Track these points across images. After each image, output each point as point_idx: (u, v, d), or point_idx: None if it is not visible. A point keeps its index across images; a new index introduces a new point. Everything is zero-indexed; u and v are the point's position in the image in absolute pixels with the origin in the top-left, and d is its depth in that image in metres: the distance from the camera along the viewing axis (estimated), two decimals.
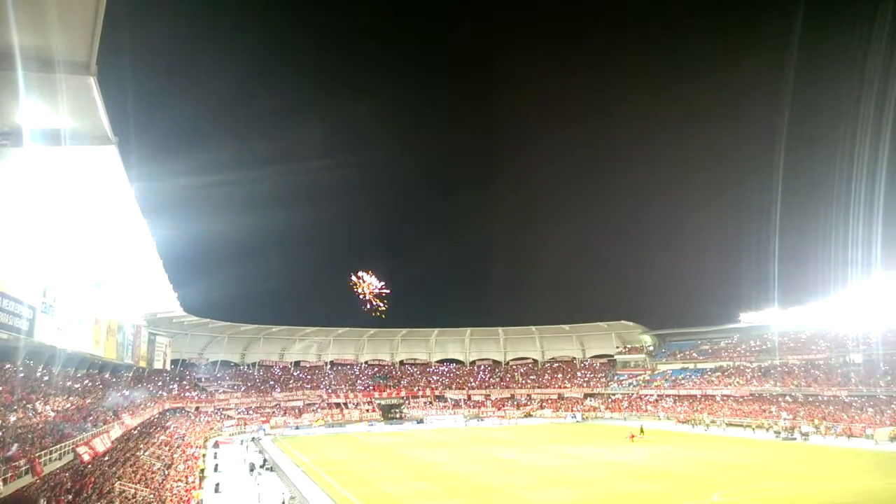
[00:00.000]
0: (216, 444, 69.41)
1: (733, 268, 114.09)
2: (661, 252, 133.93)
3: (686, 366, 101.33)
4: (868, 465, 46.91)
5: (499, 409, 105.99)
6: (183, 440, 60.86)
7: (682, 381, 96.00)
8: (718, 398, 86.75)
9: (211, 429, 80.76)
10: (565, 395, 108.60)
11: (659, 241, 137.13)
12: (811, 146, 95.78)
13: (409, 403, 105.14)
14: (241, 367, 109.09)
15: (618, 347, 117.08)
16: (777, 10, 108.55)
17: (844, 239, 73.47)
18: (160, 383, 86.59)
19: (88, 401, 46.44)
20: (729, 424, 77.10)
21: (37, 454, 24.61)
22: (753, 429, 72.18)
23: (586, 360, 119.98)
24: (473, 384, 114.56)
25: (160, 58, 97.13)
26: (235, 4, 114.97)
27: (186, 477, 42.19)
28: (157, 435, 58.16)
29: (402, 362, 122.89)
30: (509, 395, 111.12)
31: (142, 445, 49.09)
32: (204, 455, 58.89)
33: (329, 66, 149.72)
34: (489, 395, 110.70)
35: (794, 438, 64.32)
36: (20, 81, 18.41)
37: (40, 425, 31.48)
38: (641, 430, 72.89)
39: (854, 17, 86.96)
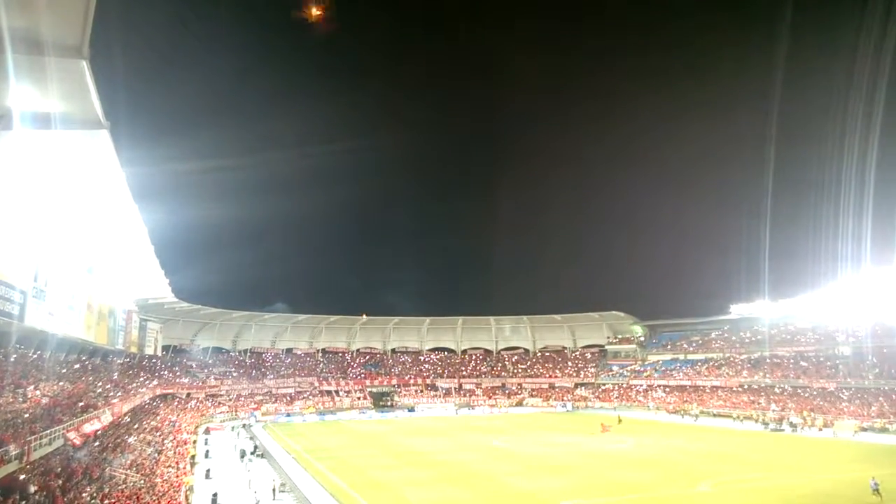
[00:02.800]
0: (207, 431, 69.48)
1: (724, 260, 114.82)
2: (652, 243, 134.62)
3: (676, 356, 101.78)
4: (855, 455, 47.30)
5: (490, 397, 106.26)
6: (174, 426, 60.89)
7: (673, 372, 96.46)
8: (708, 389, 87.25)
9: (202, 415, 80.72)
10: (556, 385, 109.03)
11: (651, 233, 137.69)
12: (801, 140, 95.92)
13: (400, 392, 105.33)
14: (233, 354, 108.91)
15: (609, 338, 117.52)
16: (769, 6, 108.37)
17: (835, 232, 73.80)
18: (151, 369, 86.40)
19: (79, 386, 46.37)
20: (717, 415, 77.78)
21: (27, 439, 24.60)
22: (742, 420, 72.69)
23: (577, 350, 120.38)
24: (465, 373, 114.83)
25: (153, 40, 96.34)
26: None
27: (177, 463, 42.24)
28: (147, 421, 58.16)
29: (393, 350, 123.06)
30: (500, 384, 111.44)
31: (132, 431, 49.10)
32: (195, 441, 58.92)
33: (327, 53, 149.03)
34: (480, 384, 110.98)
35: (783, 430, 64.84)
36: (10, 64, 18.31)
37: (30, 410, 31.45)
38: (619, 420, 73.10)
39: (844, 12, 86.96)
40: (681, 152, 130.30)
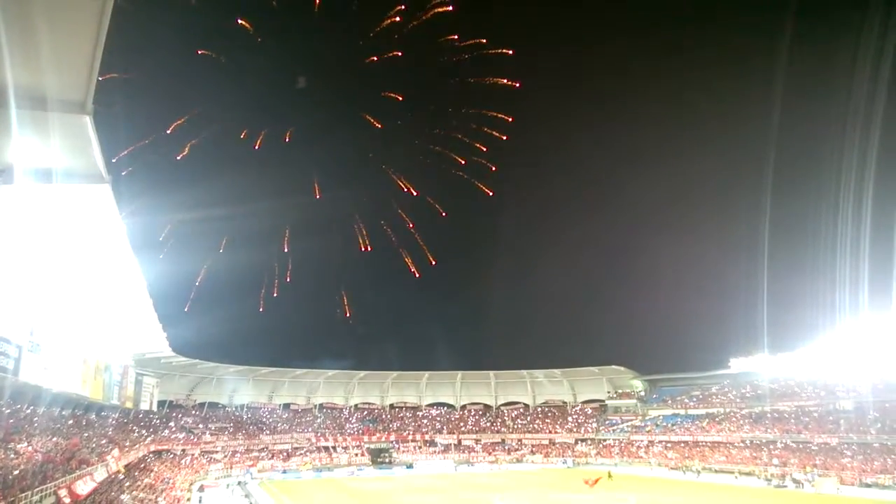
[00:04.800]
0: (201, 488, 68.20)
1: (723, 313, 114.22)
2: (651, 297, 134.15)
3: (677, 412, 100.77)
4: None
5: (489, 453, 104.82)
6: (167, 483, 59.89)
7: (674, 427, 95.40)
8: (710, 445, 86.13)
9: (196, 472, 79.46)
10: (556, 441, 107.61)
11: (649, 287, 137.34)
12: (797, 192, 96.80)
13: (398, 448, 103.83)
14: (229, 409, 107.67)
15: (609, 392, 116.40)
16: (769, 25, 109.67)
17: (832, 283, 74.15)
18: (146, 424, 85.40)
19: (73, 442, 45.80)
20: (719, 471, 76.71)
21: (17, 496, 24.27)
22: (738, 476, 71.69)
23: (577, 405, 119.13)
24: (464, 428, 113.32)
25: (154, 92, 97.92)
26: (231, 46, 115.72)
27: None
28: (141, 478, 57.20)
29: (392, 406, 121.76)
30: (500, 440, 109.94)
31: (126, 489, 48.27)
32: (189, 499, 57.96)
33: (327, 104, 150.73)
34: (480, 440, 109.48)
35: (786, 486, 63.77)
36: (13, 119, 18.62)
37: (21, 466, 31.03)
38: (609, 475, 71.68)
39: (843, 44, 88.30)
40: (677, 203, 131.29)
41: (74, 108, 19.05)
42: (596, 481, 64.20)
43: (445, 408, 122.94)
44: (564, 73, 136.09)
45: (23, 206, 25.32)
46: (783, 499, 55.87)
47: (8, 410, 40.95)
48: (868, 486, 60.41)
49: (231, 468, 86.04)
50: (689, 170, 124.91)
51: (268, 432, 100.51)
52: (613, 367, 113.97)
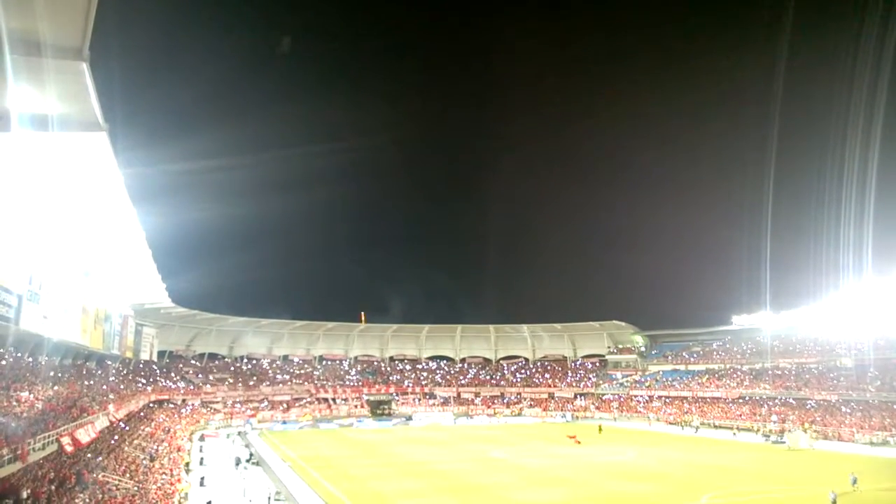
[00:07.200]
0: (202, 438, 68.87)
1: (726, 270, 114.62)
2: (653, 253, 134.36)
3: (677, 367, 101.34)
4: (857, 469, 46.76)
5: (488, 406, 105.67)
6: (168, 433, 60.35)
7: (673, 383, 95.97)
8: (709, 400, 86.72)
9: (197, 422, 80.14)
10: (556, 395, 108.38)
11: (652, 243, 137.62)
12: (803, 149, 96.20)
13: (398, 400, 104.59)
14: (229, 360, 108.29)
15: (609, 347, 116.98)
16: (768, 12, 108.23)
17: (836, 243, 73.42)
18: (146, 374, 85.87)
19: (73, 389, 45.87)
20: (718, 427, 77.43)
21: (21, 443, 24.19)
22: (736, 432, 72.49)
23: (577, 360, 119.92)
24: (463, 382, 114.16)
25: (151, 40, 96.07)
26: None
27: (171, 470, 41.74)
28: (142, 427, 57.62)
29: (391, 358, 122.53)
30: (499, 394, 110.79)
31: (127, 437, 48.59)
32: (189, 448, 58.44)
33: (326, 54, 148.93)
34: (479, 393, 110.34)
35: (784, 442, 64.22)
36: (8, 65, 17.98)
37: (24, 414, 30.98)
38: (600, 429, 72.92)
39: (845, 20, 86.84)
40: (682, 162, 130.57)
41: (70, 55, 18.39)
42: (574, 437, 65.57)
43: (445, 361, 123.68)
44: (571, 35, 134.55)
45: (20, 153, 24.77)
46: (765, 453, 56.42)
47: (11, 359, 40.89)
48: (863, 443, 60.97)
49: (231, 418, 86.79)
50: (694, 128, 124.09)
51: (268, 383, 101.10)
52: (614, 322, 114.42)
